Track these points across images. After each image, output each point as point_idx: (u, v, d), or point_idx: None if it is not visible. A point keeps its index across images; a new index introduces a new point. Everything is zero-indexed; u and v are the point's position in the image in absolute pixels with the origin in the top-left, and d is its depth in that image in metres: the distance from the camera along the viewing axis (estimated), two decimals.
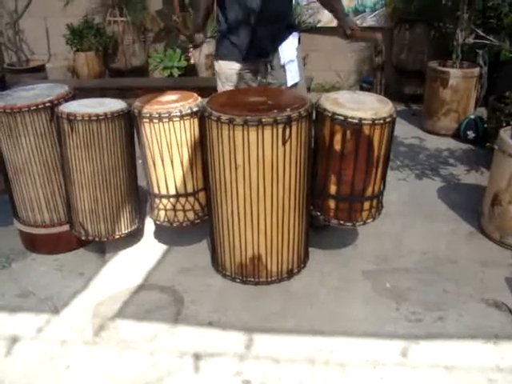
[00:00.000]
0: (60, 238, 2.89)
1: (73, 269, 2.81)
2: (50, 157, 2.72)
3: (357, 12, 5.74)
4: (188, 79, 5.59)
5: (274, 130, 2.21)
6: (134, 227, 2.81)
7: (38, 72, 5.89)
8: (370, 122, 2.28)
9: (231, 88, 2.91)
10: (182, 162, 2.51)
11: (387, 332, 2.30)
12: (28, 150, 2.68)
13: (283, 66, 2.86)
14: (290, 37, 2.86)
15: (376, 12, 5.70)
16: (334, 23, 5.74)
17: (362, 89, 5.70)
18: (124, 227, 2.75)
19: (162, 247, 2.96)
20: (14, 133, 2.64)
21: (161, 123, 2.41)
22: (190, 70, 5.70)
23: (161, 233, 3.06)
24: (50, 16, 5.96)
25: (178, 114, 2.40)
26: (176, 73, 5.57)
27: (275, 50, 2.83)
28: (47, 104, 2.61)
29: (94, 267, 2.81)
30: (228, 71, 2.89)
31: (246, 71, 2.88)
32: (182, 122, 2.42)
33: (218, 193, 2.44)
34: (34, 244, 2.95)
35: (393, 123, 2.39)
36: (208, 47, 5.53)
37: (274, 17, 2.75)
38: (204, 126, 2.37)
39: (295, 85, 2.94)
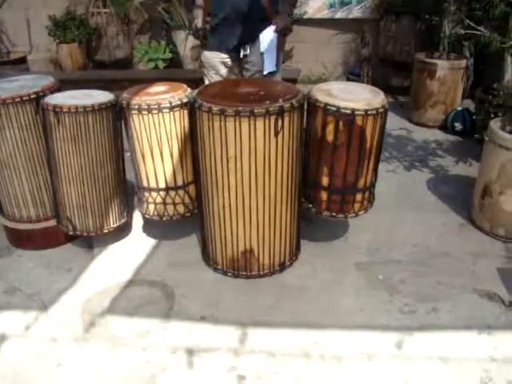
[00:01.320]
0: (47, 234, 2.83)
1: (60, 264, 2.75)
2: (36, 150, 2.65)
3: (343, 4, 5.70)
4: (174, 71, 5.53)
5: (267, 121, 2.17)
6: (122, 221, 2.76)
7: (19, 64, 5.78)
8: (363, 112, 2.26)
9: (215, 75, 3.28)
10: (171, 155, 2.46)
11: (381, 324, 2.29)
12: (12, 143, 2.60)
13: (262, 54, 3.07)
14: (270, 28, 3.06)
15: (362, 3, 5.67)
16: (320, 14, 5.78)
17: (348, 80, 5.68)
18: (112, 221, 2.70)
19: (152, 241, 2.92)
20: None
21: (150, 115, 2.36)
22: (175, 63, 5.63)
23: (150, 226, 3.01)
24: (31, 7, 5.85)
25: (168, 105, 2.36)
26: (161, 65, 5.50)
27: (254, 39, 3.08)
28: (32, 96, 2.54)
29: (83, 262, 2.76)
30: (212, 60, 3.27)
31: (227, 59, 3.23)
32: (171, 113, 2.38)
33: (209, 186, 2.40)
34: (20, 240, 2.89)
35: (385, 114, 2.37)
36: (193, 40, 5.47)
37: (252, 10, 3.01)
38: (194, 117, 2.33)
39: (271, 74, 3.12)
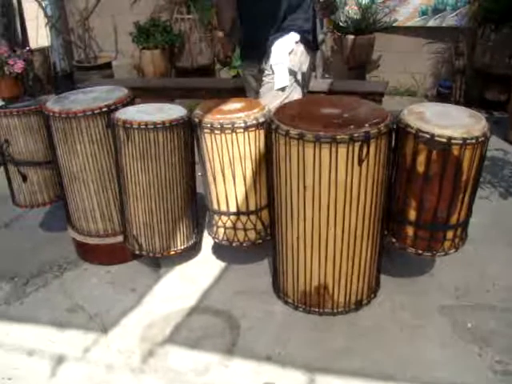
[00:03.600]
0: (114, 249, 2.75)
1: (125, 283, 2.66)
2: (106, 165, 2.56)
3: (436, 11, 5.33)
4: None
5: (350, 148, 1.95)
6: (190, 243, 2.62)
7: (105, 69, 5.84)
8: (461, 141, 1.99)
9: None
10: (244, 178, 2.29)
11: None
12: (83, 157, 2.53)
13: (271, 67, 2.70)
14: (285, 38, 2.68)
15: (458, 10, 5.27)
16: (411, 22, 5.44)
17: (439, 93, 5.32)
18: (180, 243, 2.56)
19: (220, 264, 2.76)
20: (69, 139, 2.50)
21: (223, 134, 2.20)
22: None
23: (219, 248, 2.85)
24: (119, 14, 5.90)
25: (243, 125, 2.18)
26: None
27: (269, 48, 2.70)
28: (103, 109, 2.45)
29: (147, 283, 2.64)
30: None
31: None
32: (246, 133, 2.20)
33: (284, 214, 2.20)
34: (87, 254, 2.82)
35: (486, 143, 2.08)
36: None
37: (269, 15, 2.67)
38: (270, 139, 2.14)
39: (284, 89, 2.71)
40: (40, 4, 5.68)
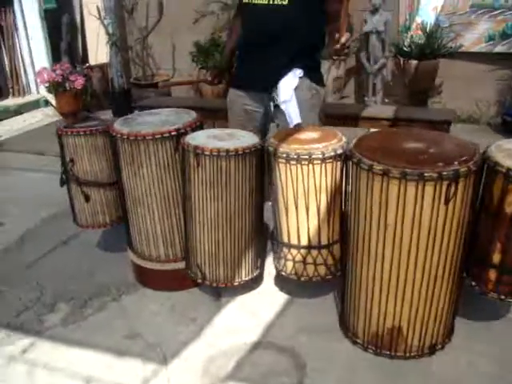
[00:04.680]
0: (174, 276, 2.67)
1: (185, 311, 2.57)
2: (172, 190, 2.50)
3: (504, 36, 5.14)
4: None
5: (438, 186, 1.82)
6: (255, 274, 2.53)
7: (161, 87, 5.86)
8: None
9: (234, 118, 2.83)
10: (318, 210, 2.19)
11: None
12: (149, 181, 2.48)
13: (278, 106, 2.57)
14: (291, 73, 2.55)
15: None
16: (477, 48, 5.27)
17: (504, 122, 5.11)
18: (245, 274, 2.47)
19: (284, 297, 2.65)
20: (135, 162, 2.45)
21: (299, 165, 2.10)
22: None
23: (280, 280, 2.74)
24: (178, 33, 5.92)
25: (320, 156, 2.09)
26: None
27: (275, 83, 2.56)
28: (173, 133, 2.40)
29: (208, 313, 2.56)
30: (231, 97, 2.87)
31: (247, 104, 2.77)
32: (323, 165, 2.10)
33: (359, 252, 2.09)
34: (147, 278, 2.76)
35: None
36: (337, 69, 5.23)
37: (276, 44, 2.53)
38: (349, 173, 2.04)
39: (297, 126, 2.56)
40: (102, 22, 5.76)
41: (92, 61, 6.42)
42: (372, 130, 4.54)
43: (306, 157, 2.08)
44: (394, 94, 5.54)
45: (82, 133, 2.67)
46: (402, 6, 5.23)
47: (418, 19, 5.18)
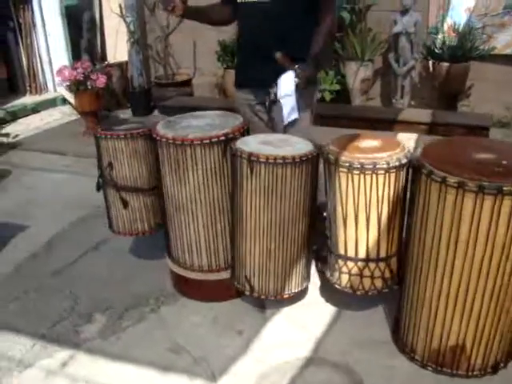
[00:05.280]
0: (217, 286, 2.57)
1: (230, 324, 2.47)
2: (218, 196, 2.40)
3: None
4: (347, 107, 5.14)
5: None
6: (304, 285, 2.43)
7: (182, 86, 5.76)
8: None
9: (246, 118, 2.64)
10: (379, 222, 2.08)
11: None
12: (194, 187, 2.37)
13: (279, 101, 2.48)
14: (289, 72, 2.46)
15: None
16: (509, 50, 5.14)
17: None
18: (295, 286, 2.36)
19: (331, 309, 2.54)
20: (181, 167, 2.35)
21: (362, 175, 2.00)
22: (343, 95, 5.28)
23: (326, 291, 2.63)
24: (200, 31, 5.78)
25: (385, 166, 1.98)
26: (328, 97, 5.17)
27: (275, 78, 2.46)
28: (221, 137, 2.29)
29: (254, 325, 2.45)
30: (238, 101, 2.82)
31: (251, 102, 2.74)
32: (387, 175, 2.00)
33: (424, 267, 1.98)
34: (187, 288, 2.65)
35: None
36: (365, 71, 5.12)
37: (275, 39, 2.51)
38: (416, 184, 1.93)
39: (293, 123, 2.51)
40: (124, 20, 5.65)
41: (111, 59, 6.32)
42: (400, 134, 4.45)
43: (370, 166, 1.98)
44: (421, 96, 5.42)
45: (122, 136, 2.56)
46: (432, 7, 5.11)
47: (449, 20, 5.07)
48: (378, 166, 1.98)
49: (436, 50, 4.98)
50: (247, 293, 2.38)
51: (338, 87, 5.19)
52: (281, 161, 2.07)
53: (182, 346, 2.35)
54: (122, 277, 2.89)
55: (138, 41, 5.85)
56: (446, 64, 4.88)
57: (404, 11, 4.91)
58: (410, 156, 2.02)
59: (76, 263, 3.07)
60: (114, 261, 3.05)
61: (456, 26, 4.96)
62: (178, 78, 5.84)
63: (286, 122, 2.51)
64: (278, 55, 2.40)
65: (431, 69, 5.11)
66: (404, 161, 2.01)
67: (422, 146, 2.03)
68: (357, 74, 5.08)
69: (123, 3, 5.72)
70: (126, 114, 6.01)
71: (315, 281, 2.67)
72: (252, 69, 2.64)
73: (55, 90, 6.52)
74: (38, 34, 6.31)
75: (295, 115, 2.49)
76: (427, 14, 5.15)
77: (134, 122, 2.90)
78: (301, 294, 2.54)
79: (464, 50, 4.84)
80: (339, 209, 2.11)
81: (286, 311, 2.54)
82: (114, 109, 6.06)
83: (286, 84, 2.44)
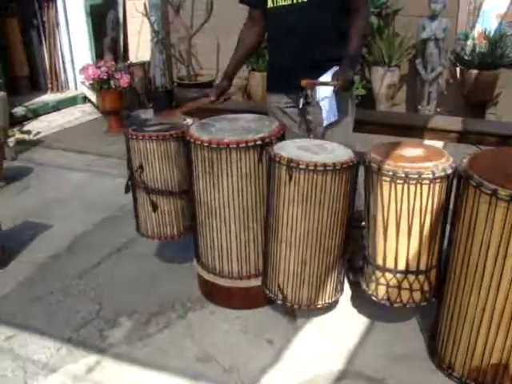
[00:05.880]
0: (246, 293, 2.52)
1: (259, 332, 2.41)
2: (251, 202, 2.35)
3: None
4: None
5: None
6: (338, 296, 2.37)
7: (204, 87, 5.70)
8: None
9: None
10: (421, 233, 2.01)
11: None
12: (228, 192, 2.32)
13: (318, 103, 2.43)
14: (330, 70, 2.40)
15: None
16: None
17: None
18: (328, 296, 2.30)
19: (364, 320, 2.47)
20: (215, 171, 2.30)
21: (406, 185, 1.93)
22: (368, 100, 5.20)
23: (358, 301, 2.57)
24: (225, 32, 5.74)
25: (430, 176, 1.91)
26: None
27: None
28: (258, 142, 2.24)
29: (284, 334, 2.39)
30: (269, 104, 2.76)
31: (283, 105, 2.66)
32: (431, 185, 1.93)
33: (468, 280, 1.91)
34: (216, 295, 2.60)
35: None
36: (391, 76, 5.05)
37: (311, 39, 2.47)
38: (462, 195, 1.86)
39: (332, 125, 2.46)
40: (149, 19, 5.62)
41: (133, 58, 6.29)
42: (427, 141, 4.35)
43: (415, 176, 1.91)
44: (447, 103, 5.34)
45: (154, 137, 2.51)
46: (461, 13, 5.03)
47: (479, 27, 4.98)
48: (423, 176, 1.91)
49: (465, 57, 4.90)
50: (279, 301, 2.32)
51: (363, 92, 5.12)
52: (321, 168, 2.01)
53: (211, 355, 2.30)
54: (147, 280, 2.85)
55: (162, 40, 5.81)
56: (475, 71, 4.80)
57: (433, 16, 4.83)
58: (456, 166, 1.95)
59: (100, 265, 3.03)
60: (139, 264, 3.01)
61: (487, 33, 4.88)
62: (201, 79, 5.79)
63: (325, 124, 2.46)
64: (304, 83, 2.32)
65: (459, 76, 5.03)
66: (449, 171, 1.94)
67: (467, 157, 1.96)
68: (383, 79, 5.01)
69: (147, 2, 5.68)
70: (147, 113, 5.98)
71: (346, 291, 2.61)
72: (286, 71, 2.57)
73: (76, 89, 6.51)
74: (62, 32, 6.31)
75: (334, 117, 2.44)
76: (456, 20, 5.07)
77: (162, 122, 2.84)
78: (332, 304, 2.48)
79: (494, 57, 4.76)
80: (380, 218, 2.05)
81: (317, 321, 2.48)
82: (135, 108, 6.03)
83: (325, 86, 2.38)
